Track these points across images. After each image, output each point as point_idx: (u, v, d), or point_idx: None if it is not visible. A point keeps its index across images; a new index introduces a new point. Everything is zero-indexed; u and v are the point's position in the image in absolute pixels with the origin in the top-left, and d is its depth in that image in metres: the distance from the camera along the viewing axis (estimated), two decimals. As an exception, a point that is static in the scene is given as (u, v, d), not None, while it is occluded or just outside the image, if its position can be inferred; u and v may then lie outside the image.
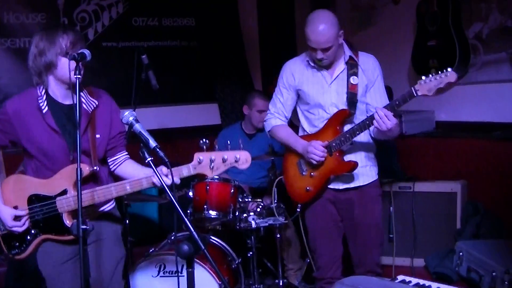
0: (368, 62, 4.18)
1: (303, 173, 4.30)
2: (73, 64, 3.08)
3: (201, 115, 7.20)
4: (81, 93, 3.40)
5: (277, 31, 7.47)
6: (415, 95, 3.75)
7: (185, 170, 3.24)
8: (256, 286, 5.02)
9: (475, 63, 5.25)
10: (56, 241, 3.42)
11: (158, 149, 2.90)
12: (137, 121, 2.99)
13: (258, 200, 5.09)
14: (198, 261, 4.29)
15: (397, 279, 3.27)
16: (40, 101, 3.35)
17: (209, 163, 3.20)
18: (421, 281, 3.19)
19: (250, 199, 5.10)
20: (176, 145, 6.60)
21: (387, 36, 6.22)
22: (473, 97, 5.34)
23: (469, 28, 5.25)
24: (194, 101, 7.20)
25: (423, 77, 3.73)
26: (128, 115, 3.00)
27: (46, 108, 3.34)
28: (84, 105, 3.40)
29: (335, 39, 3.97)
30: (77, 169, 2.96)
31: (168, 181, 3.12)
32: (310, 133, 4.30)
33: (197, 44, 7.19)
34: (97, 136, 3.43)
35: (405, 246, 5.17)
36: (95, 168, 3.37)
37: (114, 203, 3.72)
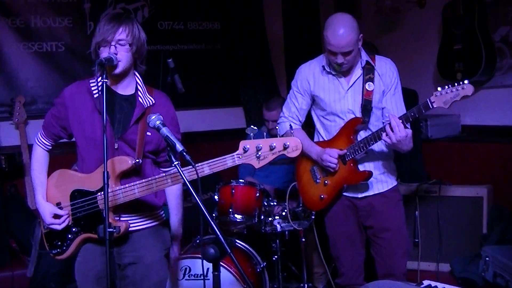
0: (385, 67, 4.11)
1: (317, 180, 4.28)
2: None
3: (226, 118, 7.22)
4: (139, 87, 3.43)
5: (302, 34, 7.46)
6: (431, 107, 3.71)
7: (230, 160, 3.03)
8: (281, 289, 5.02)
9: (501, 67, 5.22)
10: (96, 242, 3.36)
11: (184, 153, 2.87)
12: (163, 125, 2.98)
13: (284, 203, 5.08)
14: (223, 264, 4.30)
15: (422, 284, 3.26)
16: (92, 86, 3.35)
17: (255, 151, 2.95)
18: (447, 286, 3.17)
19: (275, 203, 5.11)
20: (201, 149, 6.63)
21: (412, 39, 6.20)
22: (499, 101, 5.31)
23: (495, 31, 5.23)
24: (219, 104, 7.23)
25: (439, 88, 3.68)
26: (155, 118, 2.99)
27: (100, 93, 3.30)
28: (139, 99, 3.39)
29: (356, 43, 3.88)
30: (103, 172, 2.95)
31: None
32: (325, 139, 4.27)
33: (222, 48, 7.21)
34: (148, 133, 3.36)
35: (430, 250, 5.14)
36: (137, 161, 3.29)
37: (163, 215, 3.65)
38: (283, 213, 4.99)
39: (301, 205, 4.91)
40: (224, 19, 7.20)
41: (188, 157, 2.85)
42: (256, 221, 4.88)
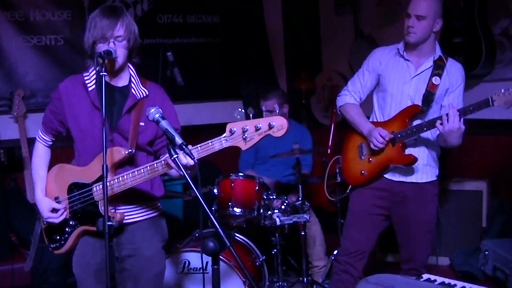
0: (455, 68, 4.16)
1: (362, 157, 4.32)
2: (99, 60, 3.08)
3: (226, 112, 7.17)
4: (132, 79, 3.43)
5: (302, 27, 7.48)
6: (491, 104, 3.74)
7: (217, 143, 3.02)
8: (280, 283, 5.03)
9: (502, 60, 5.20)
10: (94, 234, 3.37)
11: (184, 146, 2.87)
12: (163, 117, 2.97)
13: (283, 197, 5.08)
14: (223, 258, 4.30)
15: (422, 277, 3.27)
16: (86, 79, 3.35)
17: (242, 133, 2.92)
18: (446, 280, 3.18)
19: (274, 197, 5.10)
20: (201, 142, 6.61)
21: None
22: (499, 94, 5.29)
23: (495, 24, 5.20)
24: (218, 98, 7.23)
25: (503, 89, 3.71)
26: (154, 112, 2.98)
27: (93, 86, 3.31)
28: (133, 90, 3.39)
29: (432, 13, 3.98)
30: (102, 165, 2.95)
31: (185, 160, 2.94)
32: (379, 120, 4.32)
33: (222, 41, 7.22)
34: (141, 124, 3.36)
35: (430, 244, 5.14)
36: (130, 151, 3.28)
37: (160, 207, 3.66)
38: (283, 207, 4.99)
39: (300, 198, 4.91)
40: (224, 12, 7.20)
41: (187, 150, 2.86)
42: (255, 214, 4.88)
